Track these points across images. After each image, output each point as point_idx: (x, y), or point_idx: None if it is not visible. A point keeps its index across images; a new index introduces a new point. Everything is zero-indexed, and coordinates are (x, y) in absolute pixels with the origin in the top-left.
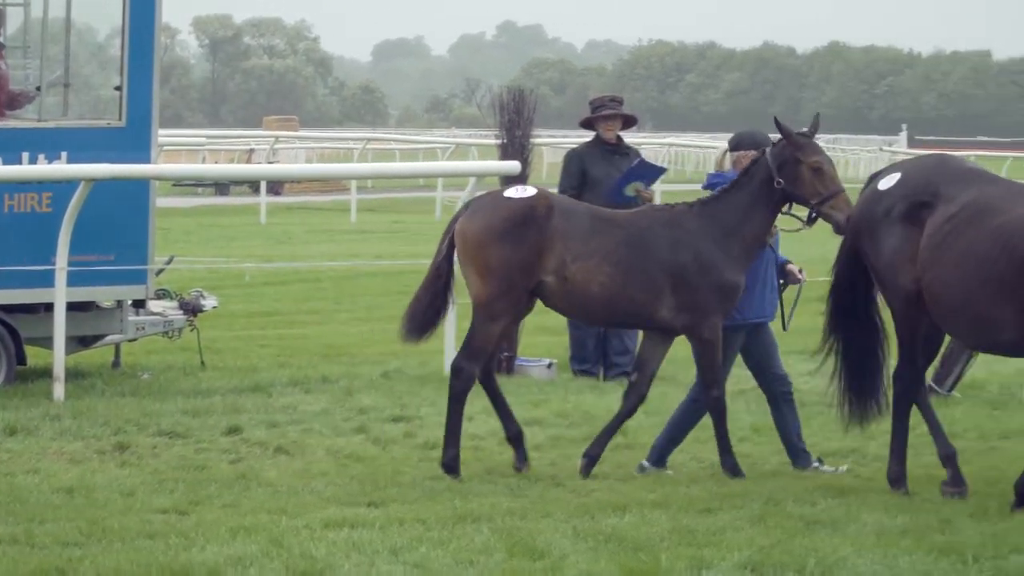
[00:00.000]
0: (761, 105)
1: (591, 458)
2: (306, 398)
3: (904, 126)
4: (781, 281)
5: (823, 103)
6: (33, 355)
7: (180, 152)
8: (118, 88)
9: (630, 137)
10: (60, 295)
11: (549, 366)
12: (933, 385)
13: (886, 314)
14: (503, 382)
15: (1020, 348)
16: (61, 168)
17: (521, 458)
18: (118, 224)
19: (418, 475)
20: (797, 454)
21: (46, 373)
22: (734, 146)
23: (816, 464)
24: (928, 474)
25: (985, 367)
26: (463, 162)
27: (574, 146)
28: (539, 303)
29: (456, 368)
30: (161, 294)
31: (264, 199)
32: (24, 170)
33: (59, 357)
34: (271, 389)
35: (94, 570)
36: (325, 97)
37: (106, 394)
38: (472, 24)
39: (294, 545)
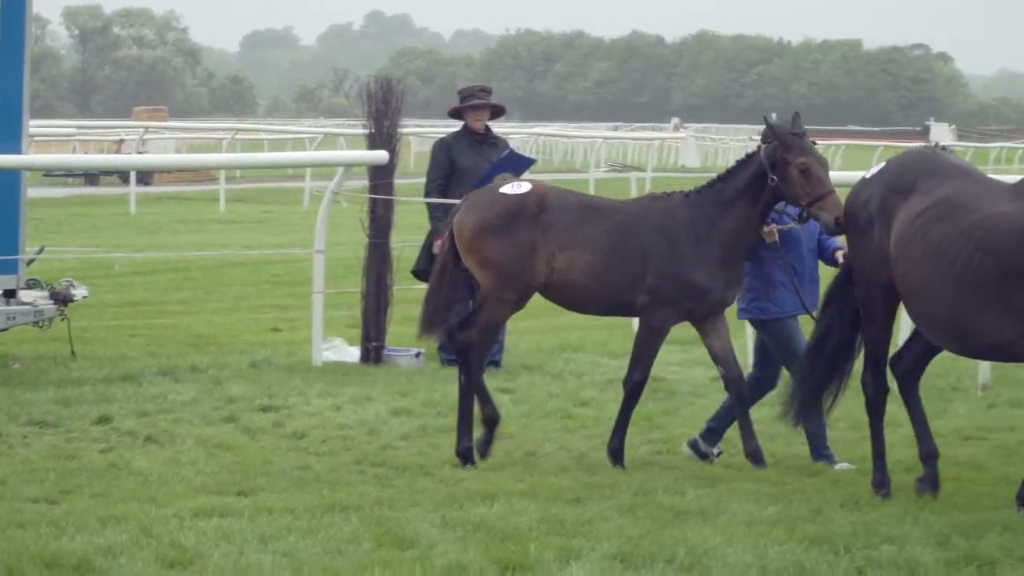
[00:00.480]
0: (629, 94)
1: (753, 452)
2: (176, 387)
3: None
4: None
5: (692, 92)
6: None
7: (50, 142)
8: None
9: (498, 127)
10: None
11: (417, 355)
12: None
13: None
14: (371, 372)
15: (997, 351)
16: None
17: (486, 442)
18: None
19: (287, 464)
20: (714, 439)
21: None
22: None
23: (714, 454)
24: (800, 465)
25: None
26: (331, 152)
27: (442, 136)
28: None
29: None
30: (32, 284)
31: (134, 189)
32: None
33: None
34: (141, 378)
35: None
36: (194, 88)
37: None
38: (340, 14)
39: (164, 534)
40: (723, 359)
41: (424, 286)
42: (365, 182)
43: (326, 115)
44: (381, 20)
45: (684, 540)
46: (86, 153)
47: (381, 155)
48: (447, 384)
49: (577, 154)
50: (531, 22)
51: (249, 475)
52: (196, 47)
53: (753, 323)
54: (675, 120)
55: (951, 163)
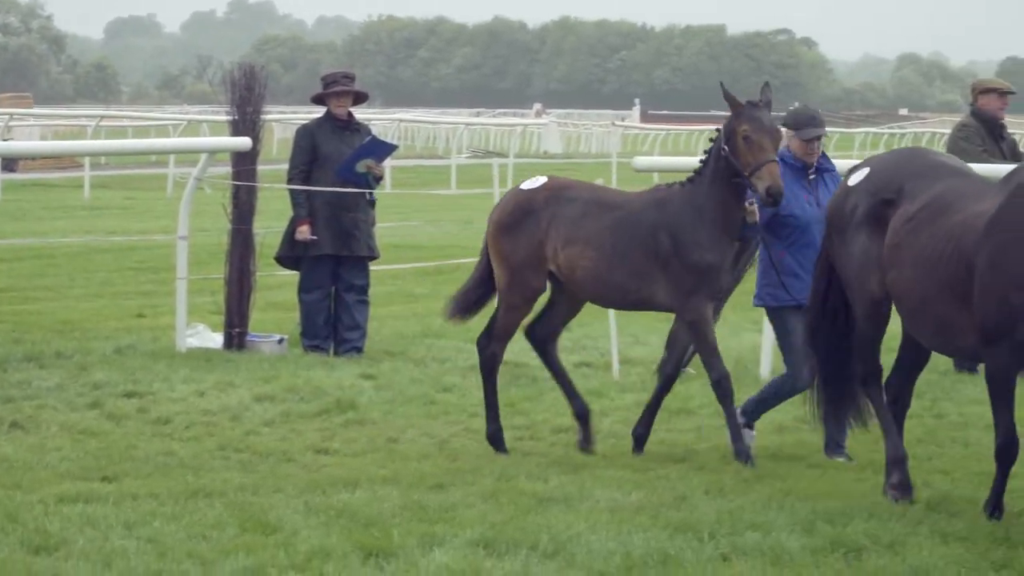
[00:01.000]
0: (492, 80)
1: (639, 437)
2: (40, 373)
3: (637, 100)
4: None
5: (555, 77)
6: None
7: None
8: None
9: (360, 113)
10: None
11: (280, 341)
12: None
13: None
14: (234, 358)
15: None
16: None
17: (587, 438)
18: None
19: (151, 450)
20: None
21: None
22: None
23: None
24: (666, 452)
25: (720, 342)
26: (194, 139)
27: (305, 122)
28: None
29: (478, 344)
30: None
31: None
32: None
33: None
34: (6, 364)
35: None
36: (59, 75)
37: None
38: (203, 1)
39: (28, 520)
40: (678, 351)
41: (287, 272)
42: (228, 168)
43: (189, 102)
44: (244, 7)
45: (547, 527)
46: None
47: (244, 142)
48: (310, 370)
49: (440, 140)
50: (394, 8)
51: (114, 461)
52: (61, 34)
53: (767, 311)
54: (537, 106)
55: (937, 162)
